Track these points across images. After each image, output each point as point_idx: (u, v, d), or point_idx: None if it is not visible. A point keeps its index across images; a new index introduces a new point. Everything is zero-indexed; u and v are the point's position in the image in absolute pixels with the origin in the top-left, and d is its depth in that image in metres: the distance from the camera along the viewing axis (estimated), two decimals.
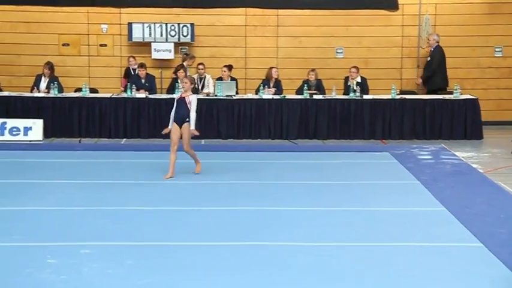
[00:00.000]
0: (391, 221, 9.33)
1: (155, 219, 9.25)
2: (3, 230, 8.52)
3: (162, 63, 17.23)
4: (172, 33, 17.06)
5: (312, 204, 10.10)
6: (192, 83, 11.95)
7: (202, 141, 15.41)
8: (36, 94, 15.68)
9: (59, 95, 15.57)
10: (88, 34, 17.31)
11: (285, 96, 15.94)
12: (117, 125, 15.58)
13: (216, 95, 15.76)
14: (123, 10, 17.26)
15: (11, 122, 15.06)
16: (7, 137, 14.98)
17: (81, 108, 15.51)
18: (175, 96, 12.04)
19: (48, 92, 15.70)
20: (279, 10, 17.46)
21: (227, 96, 15.71)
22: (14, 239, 8.19)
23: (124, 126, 15.58)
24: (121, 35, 17.29)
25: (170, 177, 11.52)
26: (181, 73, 16.14)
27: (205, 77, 16.54)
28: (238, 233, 8.62)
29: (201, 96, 15.82)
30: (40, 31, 17.17)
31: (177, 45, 17.18)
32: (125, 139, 15.55)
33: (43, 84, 15.97)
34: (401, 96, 16.03)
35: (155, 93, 16.27)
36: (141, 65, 16.32)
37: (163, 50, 17.09)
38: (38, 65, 16.33)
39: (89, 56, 17.36)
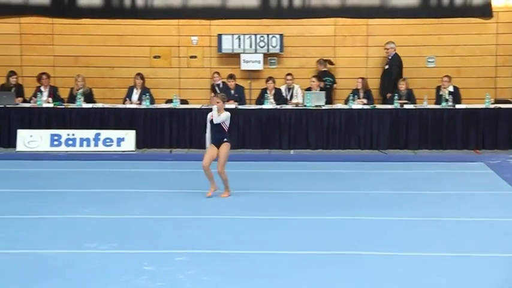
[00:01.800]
0: (490, 231, 9.08)
1: (246, 227, 9.24)
2: (101, 237, 8.64)
3: (251, 74, 17.28)
4: (262, 44, 17.10)
5: (407, 214, 9.91)
6: (224, 101, 11.33)
7: (291, 152, 15.38)
8: (128, 106, 15.94)
9: (151, 107, 15.80)
10: (179, 46, 17.52)
11: (374, 106, 15.76)
12: None
13: (305, 106, 15.70)
14: (213, 22, 17.39)
15: (104, 133, 15.37)
16: (101, 147, 15.29)
17: (172, 119, 15.69)
18: (209, 117, 11.30)
19: (140, 104, 15.94)
20: (369, 19, 17.26)
21: (316, 106, 15.63)
22: (111, 246, 8.30)
23: None
24: (211, 47, 17.43)
25: (214, 191, 11.04)
26: (270, 84, 16.19)
27: (293, 87, 16.53)
28: (330, 243, 8.50)
29: (289, 106, 15.82)
30: (132, 44, 17.45)
31: (266, 56, 17.22)
32: None
33: (135, 95, 16.23)
34: (495, 105, 15.63)
35: (244, 103, 16.34)
36: (231, 76, 16.43)
37: (253, 61, 17.15)
38: (129, 77, 16.59)
39: (179, 67, 17.57)
